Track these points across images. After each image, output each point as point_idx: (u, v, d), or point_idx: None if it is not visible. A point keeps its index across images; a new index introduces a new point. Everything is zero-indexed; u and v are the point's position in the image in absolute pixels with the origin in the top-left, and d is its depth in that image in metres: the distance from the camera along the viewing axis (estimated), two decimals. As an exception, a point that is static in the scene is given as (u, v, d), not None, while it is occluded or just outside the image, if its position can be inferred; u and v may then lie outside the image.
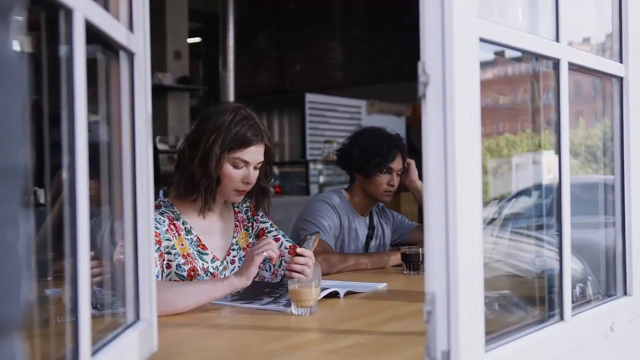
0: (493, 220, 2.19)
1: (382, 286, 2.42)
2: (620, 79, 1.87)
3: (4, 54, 0.60)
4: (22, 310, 0.63)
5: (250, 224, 2.47)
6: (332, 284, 2.23)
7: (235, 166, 2.25)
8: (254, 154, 2.27)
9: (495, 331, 1.37)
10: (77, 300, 1.02)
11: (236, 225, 2.43)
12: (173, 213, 2.28)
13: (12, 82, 0.60)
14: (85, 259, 1.04)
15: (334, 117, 8.55)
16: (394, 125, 7.02)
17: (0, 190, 0.60)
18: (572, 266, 1.61)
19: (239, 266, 2.35)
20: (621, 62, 1.87)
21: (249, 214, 2.48)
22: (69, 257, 1.03)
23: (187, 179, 2.26)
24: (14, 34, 0.61)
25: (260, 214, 2.49)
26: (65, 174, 1.03)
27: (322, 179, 7.76)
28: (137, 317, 1.41)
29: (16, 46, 0.62)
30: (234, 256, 2.38)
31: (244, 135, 2.23)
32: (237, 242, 2.41)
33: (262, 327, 1.84)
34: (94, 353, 1.10)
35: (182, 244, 2.24)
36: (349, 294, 2.26)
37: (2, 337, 0.60)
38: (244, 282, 2.03)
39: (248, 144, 2.24)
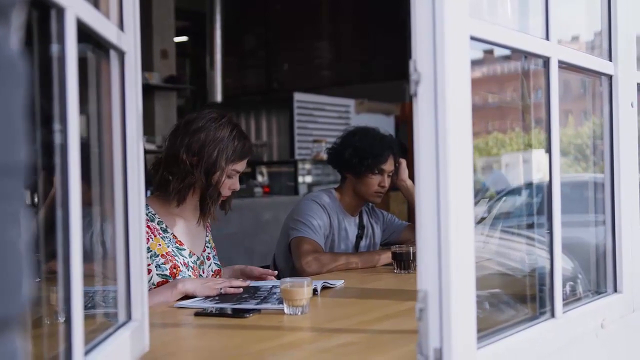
0: (483, 219, 2.20)
1: (339, 283, 2.44)
2: (610, 77, 1.88)
3: (5, 53, 0.60)
4: (24, 308, 0.63)
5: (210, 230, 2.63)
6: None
7: (229, 176, 2.39)
8: (245, 164, 2.44)
9: (487, 328, 1.37)
10: (70, 301, 1.02)
11: (207, 227, 2.56)
12: (147, 214, 2.32)
13: (13, 80, 0.60)
14: (77, 260, 1.03)
15: (322, 117, 8.54)
16: (383, 124, 7.03)
17: (3, 187, 0.60)
18: (562, 264, 1.62)
19: (214, 262, 2.52)
20: (610, 60, 1.88)
21: (209, 221, 2.61)
22: (61, 257, 1.02)
23: (188, 188, 2.34)
24: (15, 32, 0.61)
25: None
26: (56, 175, 1.02)
27: (310, 179, 7.75)
28: (129, 317, 1.40)
29: (17, 45, 0.62)
30: (208, 253, 2.52)
31: (242, 150, 2.39)
32: (209, 240, 2.55)
33: (254, 326, 1.83)
34: (86, 353, 1.10)
35: (160, 244, 2.32)
36: (325, 288, 2.31)
37: (4, 333, 0.60)
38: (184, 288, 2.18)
39: (245, 157, 2.41)
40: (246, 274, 2.53)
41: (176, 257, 2.33)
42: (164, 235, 2.35)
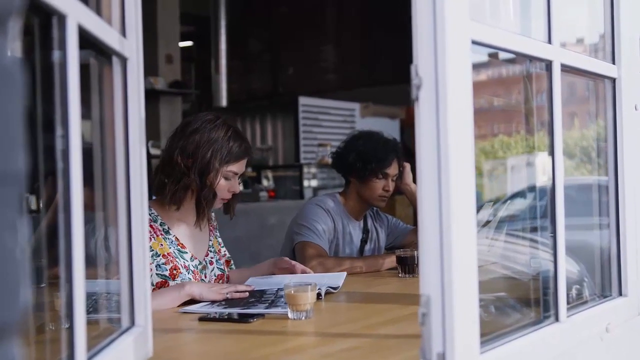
0: (488, 222, 2.20)
1: (342, 276, 2.48)
2: (613, 80, 1.88)
3: (2, 61, 0.60)
4: (21, 315, 0.63)
5: (217, 232, 2.62)
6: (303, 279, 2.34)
7: (226, 178, 2.38)
8: (243, 166, 2.43)
9: (490, 333, 1.37)
10: (72, 307, 1.02)
11: (210, 230, 2.55)
12: (150, 215, 2.33)
13: (10, 88, 0.61)
14: (79, 265, 1.03)
15: (327, 120, 8.54)
16: (388, 127, 7.02)
17: (1, 195, 0.60)
18: (568, 268, 1.62)
19: (217, 267, 2.51)
20: (614, 63, 1.87)
21: (215, 223, 2.62)
22: (64, 263, 1.02)
23: (183, 190, 2.34)
24: (12, 40, 0.62)
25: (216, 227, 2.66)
26: (59, 180, 1.02)
27: (316, 183, 7.74)
28: (132, 322, 1.40)
29: (14, 52, 0.63)
30: (211, 257, 2.51)
31: (238, 150, 2.38)
32: (212, 245, 2.54)
33: (258, 331, 1.83)
34: (89, 358, 1.10)
35: (162, 244, 2.33)
36: (328, 293, 2.31)
37: (2, 340, 0.60)
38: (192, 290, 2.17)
39: (241, 158, 2.40)
40: (280, 265, 2.57)
41: (177, 259, 2.34)
42: (166, 236, 2.35)
